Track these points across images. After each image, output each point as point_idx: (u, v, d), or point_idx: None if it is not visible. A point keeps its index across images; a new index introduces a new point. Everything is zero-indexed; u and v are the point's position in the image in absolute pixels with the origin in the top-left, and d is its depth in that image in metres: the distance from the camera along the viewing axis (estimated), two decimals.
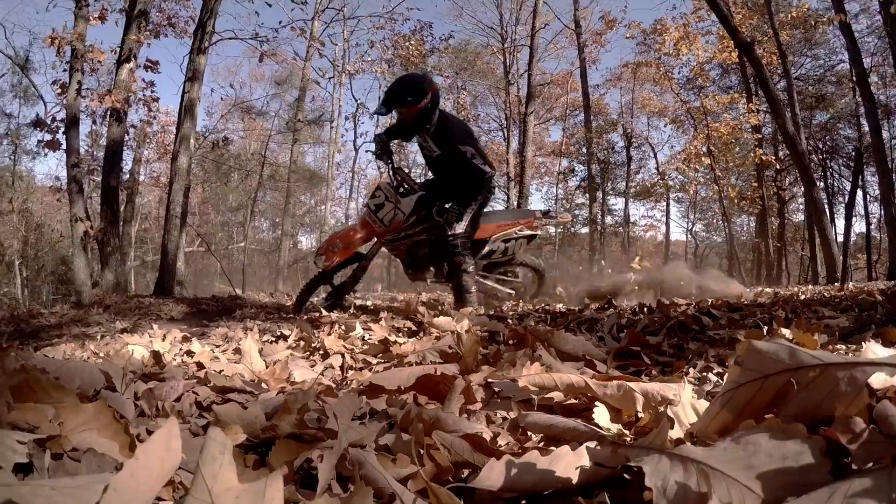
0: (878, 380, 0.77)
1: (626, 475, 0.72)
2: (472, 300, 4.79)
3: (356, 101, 21.76)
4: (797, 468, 0.59)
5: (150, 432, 1.09)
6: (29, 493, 0.57)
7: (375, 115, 21.90)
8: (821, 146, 22.62)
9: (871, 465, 0.59)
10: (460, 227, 4.85)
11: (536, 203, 39.05)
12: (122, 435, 0.92)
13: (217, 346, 2.58)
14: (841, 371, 0.72)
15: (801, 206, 23.91)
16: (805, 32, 20.48)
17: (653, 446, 0.67)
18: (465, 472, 0.81)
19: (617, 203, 31.02)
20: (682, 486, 0.56)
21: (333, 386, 1.54)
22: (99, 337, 4.50)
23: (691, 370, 1.54)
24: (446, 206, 4.85)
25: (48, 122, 10.63)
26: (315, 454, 0.87)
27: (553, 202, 31.59)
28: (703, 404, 0.92)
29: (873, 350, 1.15)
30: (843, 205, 21.00)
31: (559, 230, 29.38)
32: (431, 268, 5.27)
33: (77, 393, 1.16)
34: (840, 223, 19.57)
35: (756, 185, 21.60)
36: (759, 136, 20.69)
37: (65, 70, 9.33)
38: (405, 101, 4.83)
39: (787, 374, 0.75)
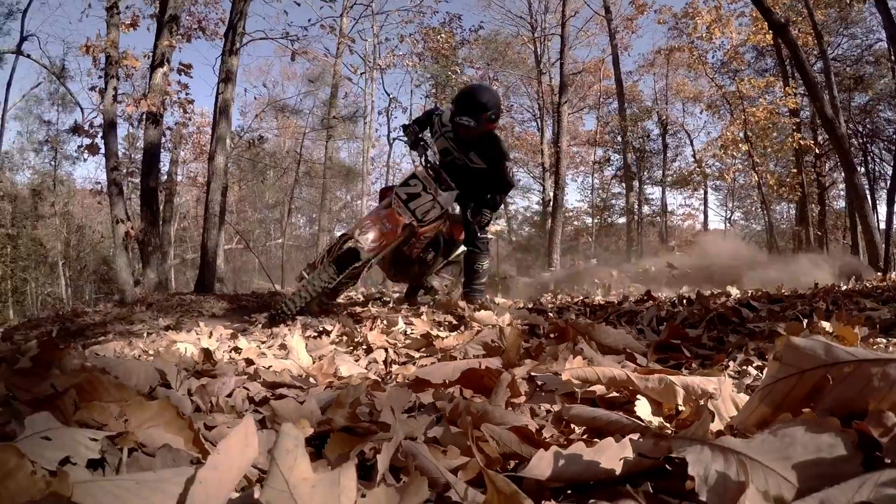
0: None
1: (667, 466, 0.76)
2: (485, 300, 4.83)
3: (388, 95, 21.76)
4: (830, 460, 0.61)
5: (208, 427, 1.14)
6: (114, 487, 0.62)
7: (408, 110, 21.99)
8: (860, 129, 22.01)
9: None
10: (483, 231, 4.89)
11: (572, 194, 38.67)
12: (186, 430, 0.96)
13: (262, 342, 2.66)
14: (874, 367, 0.74)
15: (842, 193, 23.34)
16: (840, 11, 19.92)
17: (695, 437, 0.70)
18: (513, 462, 0.85)
19: (654, 192, 30.58)
20: (722, 475, 0.60)
21: (379, 380, 1.59)
22: (145, 334, 4.64)
23: (731, 363, 1.55)
24: (481, 209, 4.76)
25: (86, 127, 10.94)
26: (368, 447, 0.92)
27: (588, 192, 31.32)
28: (743, 398, 0.94)
29: None
30: (885, 190, 20.42)
31: (596, 221, 29.18)
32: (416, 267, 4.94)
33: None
34: (882, 209, 19.05)
35: (795, 171, 21.12)
36: (797, 120, 20.21)
37: (100, 77, 9.58)
38: (490, 117, 4.62)
39: (822, 370, 0.77)
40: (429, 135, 5.12)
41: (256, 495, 0.70)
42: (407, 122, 5.09)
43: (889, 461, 0.61)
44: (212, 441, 1.00)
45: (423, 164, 4.82)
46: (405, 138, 4.93)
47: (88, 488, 0.61)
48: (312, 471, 0.58)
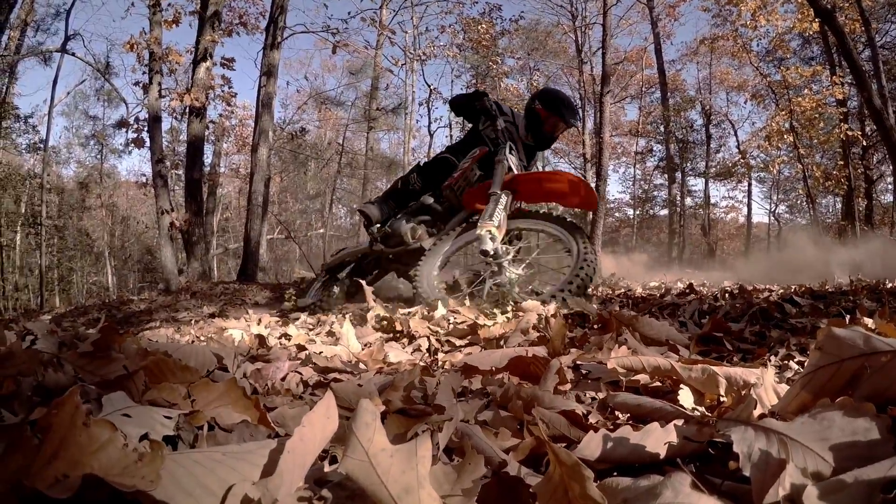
0: None
1: (710, 450, 0.79)
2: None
3: (429, 86, 21.78)
4: (865, 442, 0.65)
5: (267, 409, 1.20)
6: (203, 458, 0.67)
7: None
8: None
9: None
10: None
11: (614, 185, 38.11)
12: (252, 409, 1.03)
13: (311, 329, 2.74)
14: None
15: (891, 186, 22.62)
16: None
17: (739, 419, 0.74)
18: (562, 445, 0.90)
19: (696, 184, 30.07)
20: (764, 453, 0.64)
21: (427, 367, 1.65)
22: (192, 322, 4.78)
23: (772, 358, 1.56)
24: None
25: (132, 121, 11.23)
26: (423, 427, 0.97)
27: (630, 183, 30.93)
28: (784, 388, 0.97)
29: None
30: None
31: (637, 212, 28.80)
32: None
33: None
34: None
35: (842, 163, 20.54)
36: (844, 110, 19.64)
37: (144, 73, 9.85)
38: (573, 122, 4.86)
39: (861, 359, 0.80)
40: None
41: (326, 469, 0.76)
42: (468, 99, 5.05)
43: None
44: (275, 421, 1.06)
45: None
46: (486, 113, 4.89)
47: (179, 459, 0.66)
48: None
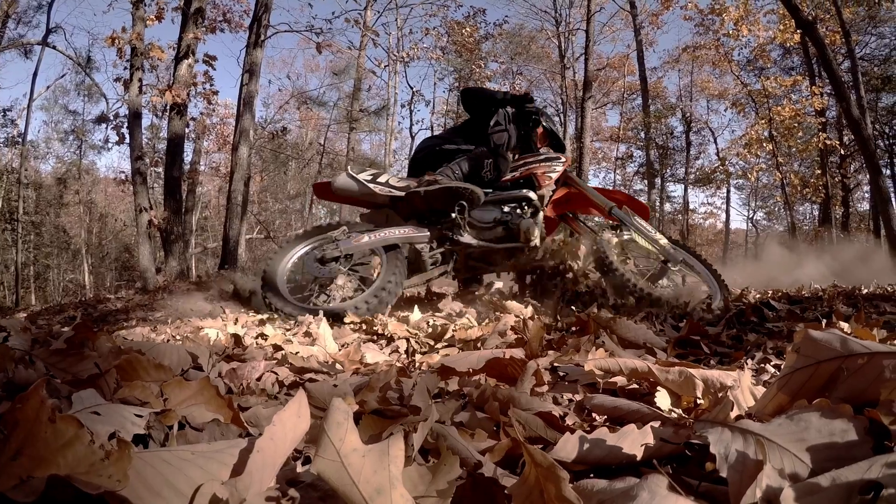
0: None
1: (687, 452, 0.79)
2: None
3: (411, 88, 21.86)
4: (842, 443, 0.66)
5: (242, 408, 1.19)
6: (171, 457, 0.66)
7: (431, 103, 21.94)
8: (887, 130, 21.71)
9: None
10: None
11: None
12: (225, 409, 1.01)
13: (288, 329, 2.71)
14: (887, 359, 0.78)
15: (867, 195, 23.02)
16: (869, 10, 19.58)
17: (716, 420, 0.74)
18: (538, 446, 0.89)
19: (676, 190, 30.40)
20: (741, 454, 0.64)
21: (404, 367, 1.63)
22: (169, 321, 4.72)
23: (749, 361, 1.57)
24: None
25: (111, 117, 11.10)
26: (398, 428, 0.96)
27: (610, 188, 31.13)
28: (761, 391, 0.97)
29: None
30: None
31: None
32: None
33: None
34: None
35: (819, 171, 20.85)
36: (823, 120, 19.95)
37: (125, 68, 9.73)
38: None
39: (838, 361, 0.81)
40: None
41: (299, 470, 0.75)
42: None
43: None
44: (248, 420, 1.04)
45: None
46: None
47: (147, 458, 0.65)
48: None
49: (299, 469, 0.76)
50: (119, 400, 1.02)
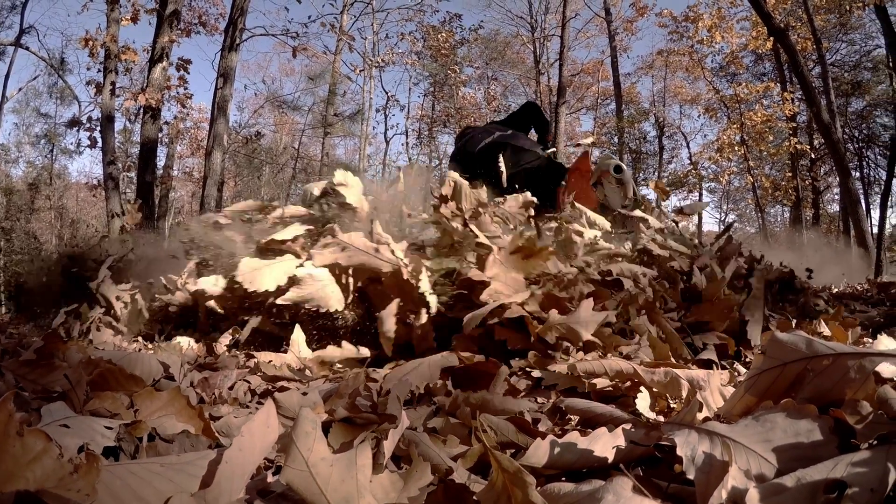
0: (888, 370, 0.84)
1: (657, 454, 0.80)
2: None
3: (386, 93, 21.86)
4: (808, 443, 0.66)
5: (213, 418, 1.17)
6: (140, 470, 0.65)
7: (406, 108, 21.96)
8: (856, 134, 22.16)
9: (873, 442, 0.66)
10: None
11: None
12: (196, 419, 1.00)
13: None
14: (851, 360, 0.79)
15: (837, 197, 23.44)
16: (840, 17, 19.99)
17: (683, 422, 0.74)
18: (509, 451, 0.89)
19: (649, 193, 30.66)
20: (708, 456, 0.64)
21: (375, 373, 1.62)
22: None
23: (721, 361, 1.58)
24: None
25: (84, 121, 10.94)
26: (367, 436, 0.95)
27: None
28: (731, 390, 0.98)
29: (885, 343, 1.26)
30: (878, 195, 20.56)
31: None
32: None
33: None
34: (876, 214, 19.20)
35: (790, 174, 21.23)
36: (794, 124, 20.31)
37: (99, 71, 9.60)
38: None
39: (803, 362, 0.82)
40: None
41: (269, 479, 0.74)
42: None
43: (863, 445, 0.65)
44: (220, 430, 1.03)
45: None
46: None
47: (116, 471, 0.64)
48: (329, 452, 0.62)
49: (270, 479, 0.75)
50: (89, 412, 1.01)
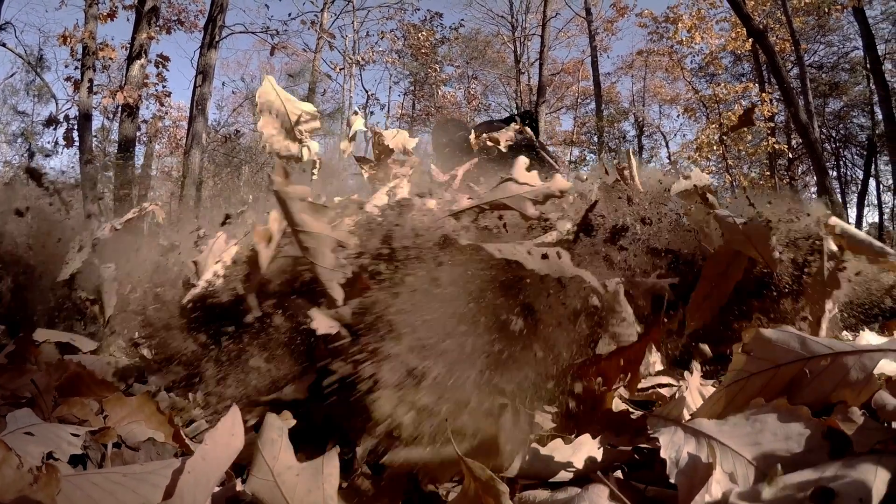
0: (889, 367, 0.80)
1: (636, 456, 0.78)
2: None
3: (367, 92, 21.79)
4: (799, 448, 0.63)
5: (188, 422, 1.14)
6: (102, 480, 0.63)
7: (386, 107, 21.91)
8: (834, 134, 22.45)
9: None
10: None
11: None
12: (166, 425, 0.97)
13: None
14: (850, 358, 0.75)
15: (814, 195, 23.70)
16: (819, 19, 20.25)
17: (670, 417, 0.72)
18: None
19: None
20: (692, 459, 0.62)
21: None
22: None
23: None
24: None
25: (61, 119, 10.77)
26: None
27: None
28: (711, 390, 0.96)
29: (867, 339, 1.19)
30: (856, 194, 20.93)
31: None
32: None
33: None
34: (853, 212, 19.51)
35: (768, 174, 21.45)
36: (772, 124, 20.52)
37: (77, 68, 9.46)
38: None
39: (800, 364, 0.77)
40: None
41: (239, 488, 0.71)
42: None
43: (857, 452, 0.62)
44: (190, 435, 1.01)
45: None
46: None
47: (77, 482, 0.62)
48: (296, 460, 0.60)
49: (239, 487, 0.73)
50: (57, 418, 0.99)
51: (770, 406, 0.71)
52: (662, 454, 0.65)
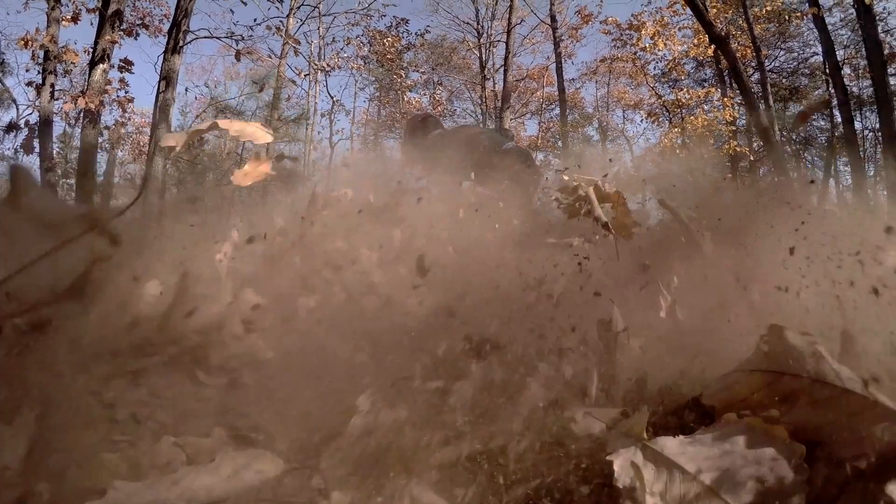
0: None
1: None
2: None
3: (332, 98, 21.69)
4: (770, 478, 0.57)
5: None
6: None
7: (351, 113, 21.77)
8: (794, 137, 22.98)
9: None
10: None
11: None
12: None
13: None
14: (849, 397, 0.66)
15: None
16: (779, 26, 20.73)
17: (631, 434, 0.66)
18: None
19: None
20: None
21: None
22: None
23: None
24: None
25: (21, 125, 10.49)
26: None
27: None
28: None
29: None
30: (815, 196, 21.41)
31: None
32: None
33: None
34: None
35: (730, 176, 21.83)
36: (734, 128, 20.92)
37: (38, 72, 9.22)
38: None
39: (805, 380, 0.70)
40: None
41: None
42: None
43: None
44: None
45: None
46: None
47: None
48: None
49: None
50: None
51: (742, 424, 0.65)
52: (616, 482, 0.59)
